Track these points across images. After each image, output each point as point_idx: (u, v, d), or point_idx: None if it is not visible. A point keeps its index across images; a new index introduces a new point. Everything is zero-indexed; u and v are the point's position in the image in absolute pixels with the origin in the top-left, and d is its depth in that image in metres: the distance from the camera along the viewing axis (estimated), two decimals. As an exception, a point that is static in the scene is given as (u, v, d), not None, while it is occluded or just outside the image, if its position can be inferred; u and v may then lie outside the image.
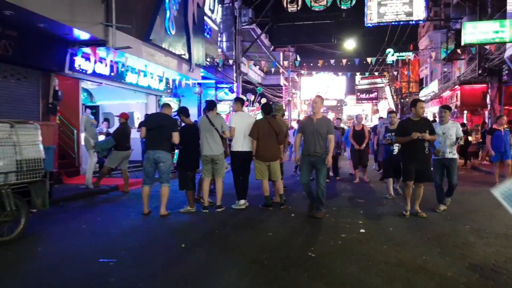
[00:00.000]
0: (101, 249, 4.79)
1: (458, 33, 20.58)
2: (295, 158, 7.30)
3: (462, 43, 14.27)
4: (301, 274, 3.94)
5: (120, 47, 9.55)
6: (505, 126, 9.96)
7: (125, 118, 9.38)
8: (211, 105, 7.21)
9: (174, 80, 14.64)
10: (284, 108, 8.54)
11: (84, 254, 4.61)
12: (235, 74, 20.26)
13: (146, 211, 6.78)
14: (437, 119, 10.34)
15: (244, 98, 24.42)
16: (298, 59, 35.48)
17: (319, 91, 43.97)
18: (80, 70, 10.57)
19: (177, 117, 7.66)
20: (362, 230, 5.64)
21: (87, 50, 9.95)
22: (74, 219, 6.49)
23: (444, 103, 23.86)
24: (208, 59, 17.58)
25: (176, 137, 6.75)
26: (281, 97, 33.33)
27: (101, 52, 10.05)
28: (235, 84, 20.33)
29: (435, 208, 6.85)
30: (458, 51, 20.46)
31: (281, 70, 29.98)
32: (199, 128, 7.05)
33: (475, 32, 13.67)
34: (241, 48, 20.80)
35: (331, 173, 11.61)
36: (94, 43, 9.59)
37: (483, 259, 4.32)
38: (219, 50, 20.47)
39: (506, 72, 16.51)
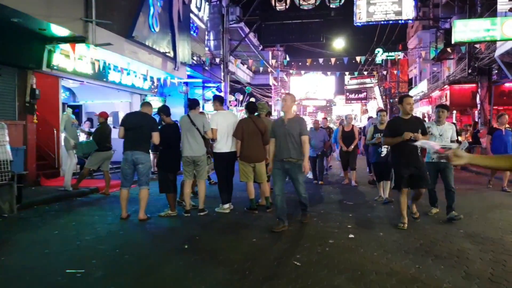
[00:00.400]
0: (70, 258, 4.43)
1: (447, 32, 20.50)
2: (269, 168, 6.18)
3: (453, 41, 14.07)
4: (285, 286, 3.62)
5: (101, 43, 9.16)
6: (507, 125, 9.32)
7: (105, 117, 9.00)
8: (193, 103, 6.85)
9: (159, 79, 14.22)
10: (267, 106, 8.18)
11: (50, 264, 4.24)
12: (222, 73, 19.92)
13: (125, 215, 6.43)
14: (426, 119, 10.05)
15: (233, 97, 24.20)
16: (287, 58, 35.26)
17: (308, 91, 43.97)
18: (59, 68, 10.14)
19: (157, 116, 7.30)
20: (351, 236, 5.34)
21: (66, 46, 9.53)
22: (46, 224, 6.09)
23: (434, 103, 23.80)
24: (194, 58, 17.22)
25: (156, 137, 6.42)
26: (270, 97, 33.04)
27: (81, 49, 9.64)
28: (223, 84, 20.00)
29: (427, 212, 6.60)
30: (448, 49, 20.34)
31: (269, 69, 29.69)
32: (180, 128, 6.71)
33: (465, 30, 13.48)
34: (229, 47, 20.46)
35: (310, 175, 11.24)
36: (73, 39, 9.19)
37: (480, 268, 4.04)
38: (207, 48, 20.12)
39: (496, 71, 16.42)
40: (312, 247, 4.80)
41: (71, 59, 10.15)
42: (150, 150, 8.45)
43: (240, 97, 25.83)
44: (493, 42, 14.11)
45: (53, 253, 4.63)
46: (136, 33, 10.78)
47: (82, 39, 9.02)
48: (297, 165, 5.63)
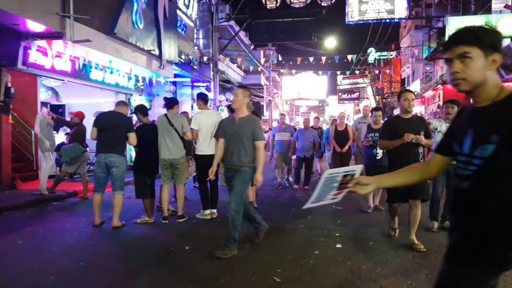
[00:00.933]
0: (26, 274, 3.98)
1: (440, 31, 20.25)
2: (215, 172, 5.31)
3: (447, 39, 13.74)
4: (261, 307, 3.23)
5: (79, 40, 8.70)
6: None
7: (80, 117, 8.55)
8: (170, 102, 6.41)
9: (144, 78, 13.75)
10: (252, 106, 7.73)
11: (1, 281, 3.81)
12: (212, 73, 19.49)
13: (98, 222, 6.01)
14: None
15: (224, 97, 23.78)
16: (280, 58, 34.87)
17: (300, 91, 43.66)
18: (37, 66, 9.67)
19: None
20: (339, 245, 4.95)
21: (43, 43, 9.06)
22: (11, 233, 5.63)
23: (427, 103, 23.56)
24: (183, 56, 16.77)
25: (132, 139, 6.01)
26: (262, 97, 32.65)
27: (59, 46, 9.17)
28: (212, 83, 19.56)
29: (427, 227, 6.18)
30: (441, 48, 20.08)
31: (259, 68, 29.26)
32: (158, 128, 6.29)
33: (460, 27, 13.14)
34: (218, 45, 20.02)
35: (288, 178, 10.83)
36: (49, 35, 8.73)
37: (478, 284, 3.67)
38: (196, 47, 19.68)
39: (489, 71, 16.12)
40: (295, 260, 4.40)
41: (49, 56, 9.67)
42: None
43: (231, 97, 25.39)
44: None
45: (7, 267, 4.19)
46: (118, 30, 10.32)
47: (59, 35, 8.58)
48: (239, 172, 4.67)
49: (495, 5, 13.20)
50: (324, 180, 1.82)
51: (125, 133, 5.96)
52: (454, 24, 13.38)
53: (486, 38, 1.61)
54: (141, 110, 6.38)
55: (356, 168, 1.88)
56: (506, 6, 12.33)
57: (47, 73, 10.33)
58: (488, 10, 14.17)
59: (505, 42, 12.70)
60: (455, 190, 1.77)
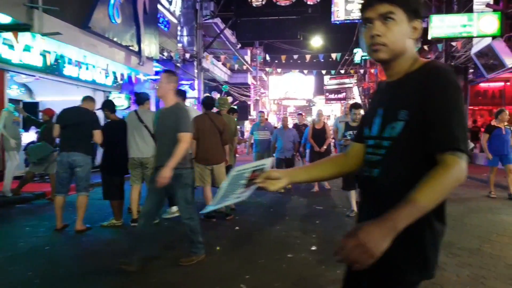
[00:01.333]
0: (-33, 284, 3.62)
1: (424, 31, 20.14)
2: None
3: (429, 37, 13.59)
4: (221, 320, 2.91)
5: (48, 33, 8.27)
6: (506, 123, 8.07)
7: (49, 115, 8.13)
8: (141, 98, 6.04)
9: (122, 74, 13.31)
10: (229, 102, 7.40)
11: None
12: (196, 70, 19.13)
13: (60, 225, 5.60)
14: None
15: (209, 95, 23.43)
16: (268, 58, 34.56)
17: (287, 91, 43.44)
18: (2, 60, 9.20)
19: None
20: (314, 248, 4.66)
21: (7, 35, 8.59)
22: (-36, 238, 5.24)
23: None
24: (165, 54, 16.38)
25: (98, 136, 5.62)
26: (249, 96, 32.31)
27: (26, 38, 8.72)
28: (197, 81, 19.20)
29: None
30: (425, 47, 20.03)
31: (244, 66, 28.92)
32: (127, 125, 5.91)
33: (442, 25, 13.01)
34: (203, 43, 19.66)
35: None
36: (16, 27, 8.27)
37: (459, 291, 3.41)
38: (180, 44, 19.29)
39: (472, 70, 16.06)
40: (266, 264, 4.09)
41: (16, 50, 9.20)
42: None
43: (217, 96, 25.04)
44: (470, 38, 13.70)
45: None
46: (93, 24, 9.90)
47: (26, 27, 8.13)
48: (175, 176, 3.83)
49: (476, 7, 13.15)
50: (231, 178, 1.51)
51: (90, 130, 5.58)
52: (436, 21, 13.21)
53: (411, 0, 1.36)
54: (108, 106, 6.01)
55: (266, 162, 1.57)
56: (488, 5, 12.22)
57: (16, 68, 9.85)
58: (470, 10, 14.07)
59: (487, 41, 12.59)
60: (363, 180, 1.48)
